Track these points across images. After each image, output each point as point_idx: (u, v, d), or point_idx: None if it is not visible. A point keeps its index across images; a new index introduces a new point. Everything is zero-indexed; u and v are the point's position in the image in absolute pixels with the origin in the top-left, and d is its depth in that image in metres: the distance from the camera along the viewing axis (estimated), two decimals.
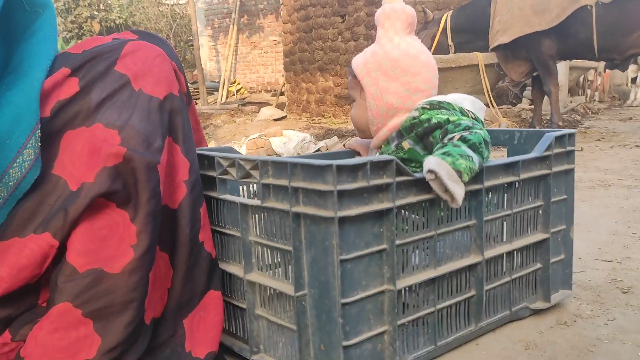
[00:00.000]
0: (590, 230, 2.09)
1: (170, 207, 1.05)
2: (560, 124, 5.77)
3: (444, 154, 1.05)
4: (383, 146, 1.36)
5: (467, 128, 1.14)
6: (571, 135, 1.37)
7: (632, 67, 10.45)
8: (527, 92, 7.50)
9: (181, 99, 1.08)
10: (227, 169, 1.12)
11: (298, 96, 10.60)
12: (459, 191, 1.03)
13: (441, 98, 1.29)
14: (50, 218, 0.94)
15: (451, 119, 1.19)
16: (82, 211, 0.92)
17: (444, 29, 6.11)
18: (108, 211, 0.95)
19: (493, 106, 5.84)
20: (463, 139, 1.10)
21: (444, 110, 1.23)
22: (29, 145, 0.94)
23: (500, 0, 5.53)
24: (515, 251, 1.26)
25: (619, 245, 1.90)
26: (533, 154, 1.27)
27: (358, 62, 1.36)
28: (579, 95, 9.47)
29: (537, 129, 1.50)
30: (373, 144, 1.39)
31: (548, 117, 5.78)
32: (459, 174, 1.02)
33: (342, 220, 0.92)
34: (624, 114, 8.34)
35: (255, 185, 1.13)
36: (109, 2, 14.56)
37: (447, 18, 6.16)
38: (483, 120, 1.29)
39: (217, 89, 13.19)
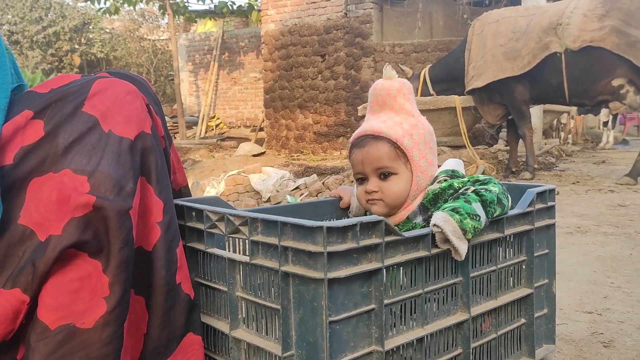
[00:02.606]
0: (570, 279, 2.11)
1: (145, 249, 1.01)
2: (536, 166, 5.90)
3: (453, 210, 1.08)
4: (402, 224, 1.30)
5: (483, 182, 1.18)
6: (552, 191, 1.40)
7: (604, 112, 10.82)
8: (503, 134, 7.68)
9: (154, 137, 1.05)
10: (216, 223, 1.11)
11: (277, 132, 10.67)
12: (462, 247, 1.08)
13: (448, 167, 1.32)
14: (19, 272, 0.90)
15: (469, 179, 1.23)
16: (51, 265, 0.89)
17: (424, 81, 6.30)
18: (79, 262, 0.91)
19: (470, 148, 5.96)
20: (477, 193, 1.14)
21: (459, 180, 1.27)
22: None
23: (473, 47, 5.71)
24: (500, 307, 1.26)
25: (598, 295, 1.93)
26: (516, 210, 1.29)
27: (398, 132, 1.25)
28: (553, 137, 9.72)
29: (518, 182, 1.53)
30: (392, 221, 1.29)
31: (524, 159, 5.91)
32: (464, 232, 1.07)
33: (332, 281, 0.91)
34: (597, 156, 8.57)
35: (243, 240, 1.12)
36: (91, 36, 14.59)
37: (425, 72, 6.36)
38: None
39: (196, 124, 13.20)
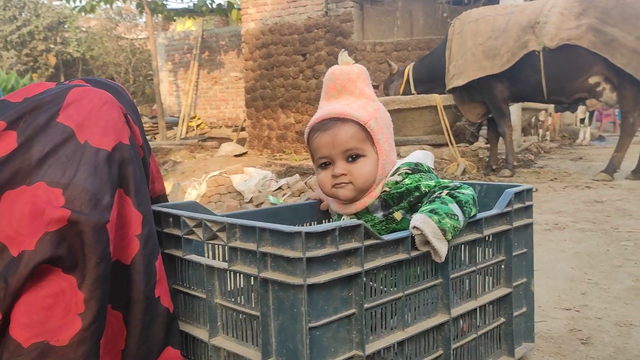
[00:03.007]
0: (549, 276, 2.14)
1: (123, 262, 0.99)
2: (515, 163, 5.97)
3: (431, 211, 1.08)
4: (360, 214, 1.28)
5: (453, 187, 1.17)
6: (529, 191, 1.41)
7: (580, 108, 10.98)
8: (484, 131, 7.75)
9: (132, 147, 1.03)
10: (194, 229, 1.09)
11: (259, 132, 10.63)
12: (442, 248, 1.08)
13: (412, 159, 1.31)
14: None
15: (437, 183, 1.21)
16: (23, 281, 0.87)
17: (407, 80, 6.34)
18: (53, 277, 0.89)
19: (452, 145, 6.00)
20: (451, 195, 1.14)
21: (423, 174, 1.25)
22: None
23: (454, 46, 5.75)
24: (480, 307, 1.27)
25: (576, 292, 1.95)
26: (495, 211, 1.30)
27: (365, 115, 1.23)
28: (531, 134, 9.83)
29: (497, 182, 1.54)
30: (353, 208, 1.27)
31: (504, 157, 5.96)
32: (444, 232, 1.07)
33: (311, 287, 0.91)
34: (574, 153, 8.69)
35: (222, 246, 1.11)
36: (66, 35, 14.37)
37: (409, 70, 6.38)
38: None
39: (176, 124, 13.09)
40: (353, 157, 1.23)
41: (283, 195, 6.14)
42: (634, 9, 4.84)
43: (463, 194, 1.15)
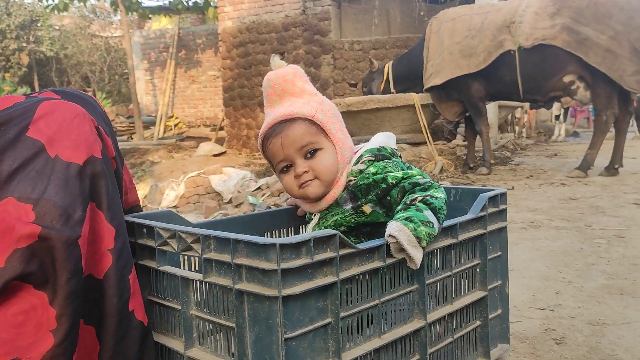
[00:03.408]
0: (524, 275, 2.17)
1: (96, 276, 0.98)
2: (492, 161, 6.04)
3: (406, 219, 1.09)
4: (331, 207, 1.29)
5: (425, 188, 1.18)
6: (503, 195, 1.43)
7: (555, 105, 11.12)
8: (461, 129, 7.83)
9: (104, 160, 1.01)
10: (168, 240, 1.08)
11: (238, 132, 10.58)
12: (417, 255, 1.08)
13: (374, 144, 1.32)
14: None
15: (404, 175, 1.21)
16: None
17: (387, 78, 6.37)
18: (24, 294, 0.87)
19: (430, 144, 6.04)
20: (425, 202, 1.14)
21: (388, 162, 1.26)
22: None
23: (431, 45, 5.80)
24: (456, 311, 1.28)
25: (551, 290, 1.98)
26: (469, 216, 1.31)
27: (309, 110, 1.24)
28: (508, 132, 9.95)
29: (472, 187, 1.56)
30: (324, 203, 1.28)
31: (481, 155, 6.03)
32: (419, 240, 1.08)
33: (286, 298, 0.91)
34: (550, 149, 8.82)
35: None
36: (39, 34, 14.10)
37: (389, 68, 6.41)
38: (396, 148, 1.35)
39: (154, 124, 12.95)
40: (311, 152, 1.24)
41: (262, 196, 6.13)
42: (606, 8, 4.92)
43: (436, 198, 1.16)
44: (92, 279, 0.97)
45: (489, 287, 1.38)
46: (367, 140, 1.37)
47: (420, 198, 1.15)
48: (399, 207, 1.15)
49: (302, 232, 1.60)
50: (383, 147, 1.30)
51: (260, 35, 9.95)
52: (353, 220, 1.26)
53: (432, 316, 1.20)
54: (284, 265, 0.90)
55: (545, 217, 3.36)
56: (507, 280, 1.46)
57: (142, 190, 7.33)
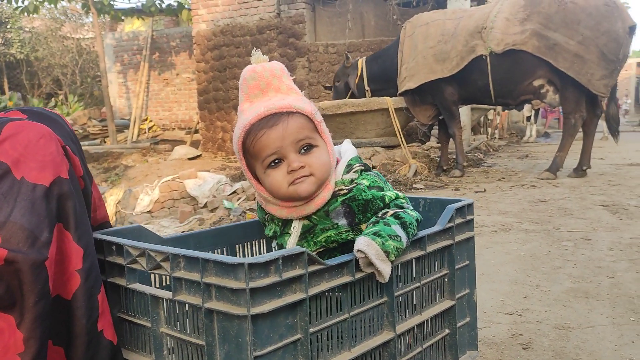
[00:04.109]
0: (494, 280, 2.22)
1: (64, 297, 0.98)
2: (465, 163, 6.13)
3: (374, 234, 1.09)
4: (319, 218, 1.22)
5: (401, 207, 1.19)
6: (470, 206, 1.46)
7: (527, 107, 11.36)
8: (435, 131, 7.93)
9: (71, 180, 1.01)
10: (137, 258, 1.08)
11: (213, 135, 10.52)
12: (386, 269, 1.09)
13: (353, 154, 1.29)
14: None
15: (395, 196, 1.21)
16: None
17: (361, 74, 6.40)
18: None
19: (404, 147, 6.10)
20: (396, 216, 1.15)
21: (374, 175, 1.25)
22: None
23: (405, 49, 5.86)
24: (425, 321, 1.31)
25: (519, 295, 2.03)
26: (437, 227, 1.33)
27: (307, 106, 1.19)
28: (481, 133, 10.10)
29: (440, 197, 1.59)
30: (313, 206, 1.20)
31: (454, 157, 6.12)
32: (387, 254, 1.09)
33: (256, 316, 0.92)
34: (521, 150, 8.99)
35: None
36: (9, 36, 13.80)
37: (362, 66, 6.44)
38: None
39: (127, 127, 12.79)
40: (306, 148, 1.17)
41: (238, 200, 6.11)
42: (574, 14, 5.05)
43: (408, 214, 1.18)
44: (61, 299, 0.97)
45: (457, 296, 1.41)
46: (338, 144, 1.33)
47: (391, 212, 1.17)
48: (370, 222, 1.17)
49: (275, 248, 1.61)
50: (360, 158, 1.31)
51: (234, 38, 9.91)
52: (350, 237, 1.21)
53: (402, 327, 1.22)
54: (252, 285, 0.91)
55: (515, 219, 3.43)
56: (474, 288, 1.49)
57: (115, 195, 7.24)
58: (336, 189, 1.22)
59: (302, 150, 1.18)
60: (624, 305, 1.89)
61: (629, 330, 1.68)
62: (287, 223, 1.26)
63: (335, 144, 1.29)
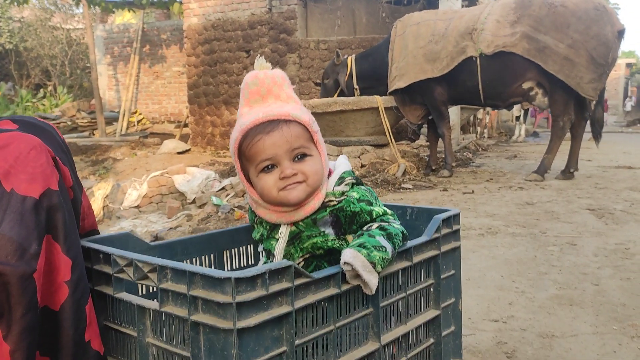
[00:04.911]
0: (480, 285, 2.24)
1: (51, 308, 0.98)
2: (454, 163, 6.16)
3: (359, 245, 1.11)
4: (306, 225, 1.24)
5: (387, 221, 1.20)
6: (456, 216, 1.47)
7: (516, 107, 11.42)
8: (425, 129, 7.95)
9: (61, 192, 1.01)
10: (124, 268, 1.08)
11: (202, 129, 10.47)
12: (373, 280, 1.10)
13: (347, 168, 1.31)
14: None
15: (383, 213, 1.23)
16: None
17: (350, 72, 6.39)
18: None
19: (393, 147, 6.12)
20: (381, 228, 1.17)
21: (365, 190, 1.27)
22: None
23: (396, 48, 5.87)
24: (410, 331, 1.32)
25: (504, 301, 2.05)
26: (423, 238, 1.34)
27: (305, 116, 1.21)
28: (470, 132, 10.15)
29: (427, 206, 1.60)
30: (302, 213, 1.22)
31: (443, 157, 6.14)
32: (373, 265, 1.10)
33: (242, 330, 0.92)
34: (510, 150, 9.05)
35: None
36: None
37: (352, 63, 6.43)
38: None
39: (116, 119, 12.69)
40: (300, 156, 1.20)
41: (226, 196, 6.10)
42: (565, 17, 5.08)
43: (393, 226, 1.19)
44: (48, 310, 0.97)
45: (443, 305, 1.42)
46: (328, 142, 1.36)
47: (376, 225, 1.18)
48: (356, 235, 1.18)
49: (262, 252, 1.62)
50: (353, 171, 1.31)
51: (225, 33, 9.86)
52: (336, 246, 1.23)
53: (387, 338, 1.24)
54: (239, 299, 0.91)
55: (502, 222, 3.46)
56: (460, 297, 1.50)
57: (103, 189, 7.20)
58: (326, 199, 1.24)
59: (296, 158, 1.20)
60: (607, 314, 1.91)
61: (612, 339, 1.70)
62: (274, 227, 1.28)
63: (325, 141, 1.31)
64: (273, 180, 1.19)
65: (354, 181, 1.28)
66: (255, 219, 1.34)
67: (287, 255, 1.26)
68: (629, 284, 2.23)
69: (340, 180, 1.27)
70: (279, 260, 1.23)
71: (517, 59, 5.17)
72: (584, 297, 2.08)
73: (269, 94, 1.21)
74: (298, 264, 1.24)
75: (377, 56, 6.30)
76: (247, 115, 1.21)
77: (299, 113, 1.21)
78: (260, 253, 1.40)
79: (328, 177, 1.28)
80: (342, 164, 1.34)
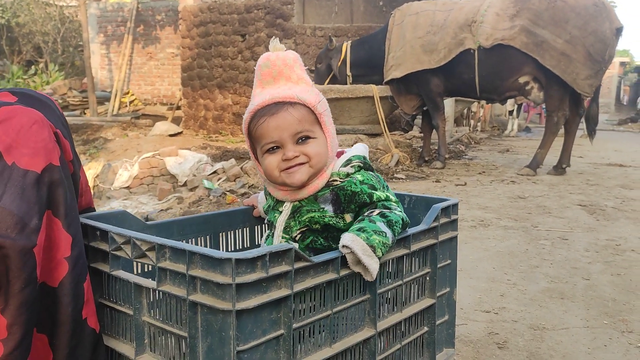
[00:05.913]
0: (472, 276, 2.24)
1: (50, 284, 0.97)
2: (447, 155, 6.17)
3: (359, 229, 1.11)
4: (307, 200, 1.25)
5: (389, 207, 1.20)
6: (455, 206, 1.47)
7: (510, 101, 11.46)
8: (419, 120, 7.95)
9: (63, 168, 1.00)
10: (122, 246, 1.07)
11: (195, 112, 10.39)
12: (373, 265, 1.10)
13: (359, 153, 1.32)
14: None
15: (385, 197, 1.22)
16: None
17: (344, 59, 6.35)
18: None
19: (387, 136, 6.11)
20: (382, 215, 1.16)
21: (373, 175, 1.27)
22: None
23: (393, 37, 5.84)
24: (405, 319, 1.32)
25: (496, 293, 2.06)
26: (422, 226, 1.34)
27: (312, 98, 1.23)
28: (463, 125, 10.17)
29: (426, 195, 1.59)
30: (305, 192, 1.24)
31: (436, 148, 6.15)
32: (373, 249, 1.09)
33: (240, 311, 0.92)
34: (502, 144, 9.08)
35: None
36: None
37: (347, 49, 6.38)
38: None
39: (108, 99, 12.56)
40: (303, 138, 1.21)
41: (218, 180, 6.07)
42: (564, 12, 5.07)
43: (394, 214, 1.19)
44: (46, 287, 0.96)
45: (438, 294, 1.42)
46: (349, 146, 1.38)
47: (377, 211, 1.18)
48: (356, 220, 1.18)
49: (258, 233, 1.61)
50: (366, 158, 1.31)
51: (221, 16, 9.76)
52: (332, 222, 1.24)
53: (382, 325, 1.23)
54: (239, 280, 0.90)
55: (494, 215, 3.47)
56: (455, 287, 1.51)
57: (94, 169, 7.14)
58: (330, 179, 1.26)
59: (300, 140, 1.22)
60: (597, 308, 1.93)
61: (602, 333, 1.72)
62: (279, 201, 1.32)
63: None
64: (276, 161, 1.22)
65: (361, 165, 1.28)
66: (266, 191, 1.40)
67: (287, 227, 1.27)
68: (620, 279, 2.25)
69: (348, 162, 1.28)
70: (279, 232, 1.27)
71: (515, 52, 5.17)
72: (575, 291, 2.09)
73: (280, 75, 1.24)
74: (295, 236, 1.26)
75: (373, 44, 6.27)
76: (257, 96, 1.25)
77: (305, 95, 1.22)
78: (264, 225, 1.53)
79: (337, 158, 1.29)
80: (356, 149, 1.35)
